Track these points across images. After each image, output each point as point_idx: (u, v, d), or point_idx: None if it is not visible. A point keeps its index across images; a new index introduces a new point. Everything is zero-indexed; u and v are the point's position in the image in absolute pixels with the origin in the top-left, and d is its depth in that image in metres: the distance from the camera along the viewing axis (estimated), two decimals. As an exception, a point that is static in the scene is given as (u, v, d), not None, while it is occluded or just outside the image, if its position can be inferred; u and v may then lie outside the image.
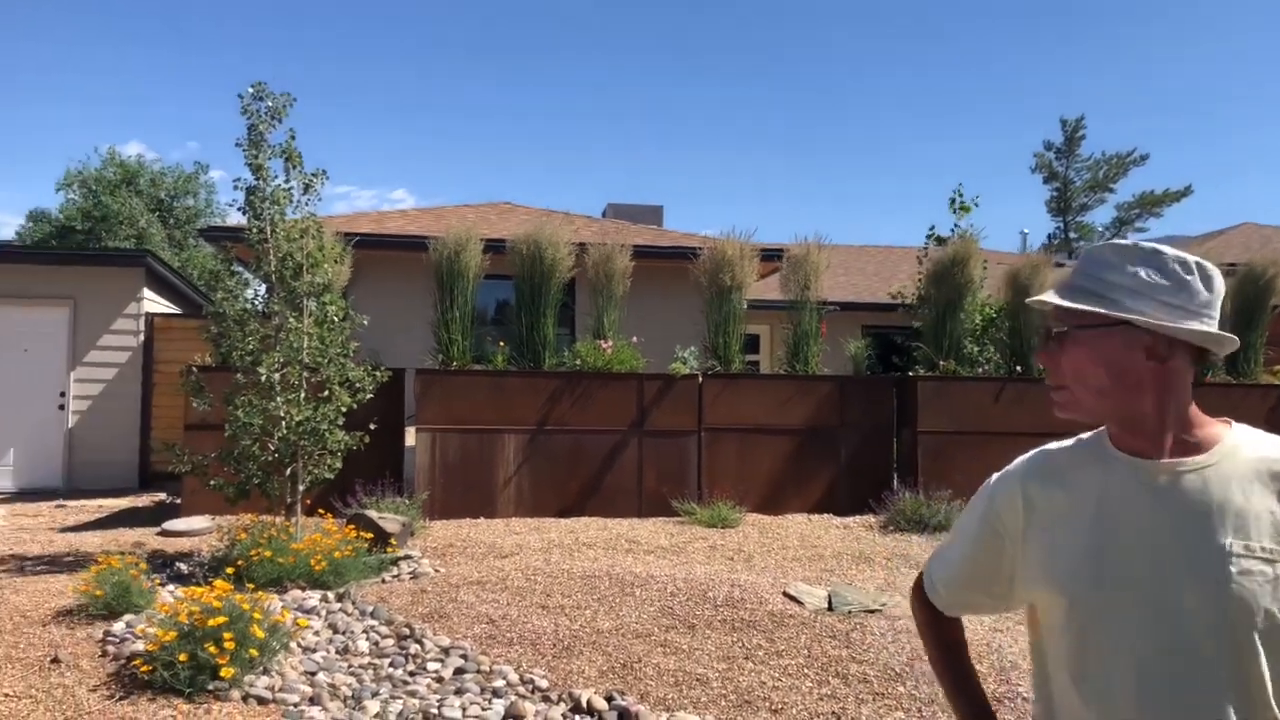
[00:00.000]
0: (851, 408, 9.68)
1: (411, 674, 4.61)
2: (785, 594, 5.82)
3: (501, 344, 9.54)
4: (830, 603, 5.69)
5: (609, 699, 4.15)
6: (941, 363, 9.77)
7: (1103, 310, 1.47)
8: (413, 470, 9.06)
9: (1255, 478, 1.42)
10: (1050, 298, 1.51)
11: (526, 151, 74.71)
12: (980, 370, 9.97)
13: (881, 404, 9.81)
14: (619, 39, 72.20)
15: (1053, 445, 1.61)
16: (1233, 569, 1.35)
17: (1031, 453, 1.62)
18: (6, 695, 4.11)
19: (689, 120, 74.63)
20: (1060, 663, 1.48)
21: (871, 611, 5.56)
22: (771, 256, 11.29)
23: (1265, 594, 1.34)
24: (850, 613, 5.49)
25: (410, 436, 9.38)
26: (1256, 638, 1.34)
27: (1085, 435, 1.58)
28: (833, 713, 4.06)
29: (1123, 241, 1.53)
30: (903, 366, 10.36)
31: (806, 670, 4.55)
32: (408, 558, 6.87)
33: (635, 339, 9.79)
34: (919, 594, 1.77)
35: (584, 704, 4.11)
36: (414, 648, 4.91)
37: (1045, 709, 1.54)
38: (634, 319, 10.20)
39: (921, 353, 10.03)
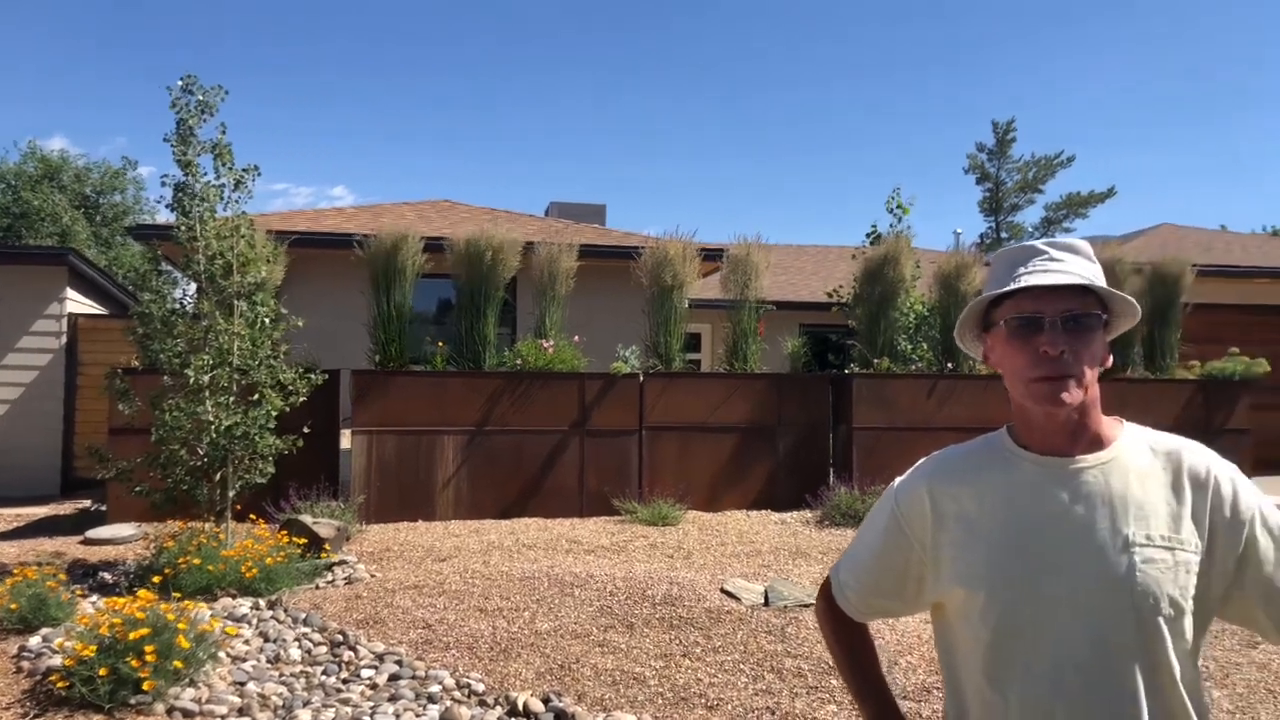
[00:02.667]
0: (789, 405, 9.77)
1: (345, 682, 4.53)
2: (723, 590, 5.85)
3: (441, 344, 9.44)
4: (767, 598, 5.73)
5: (546, 700, 4.13)
6: (876, 360, 9.90)
7: (1135, 302, 1.51)
8: (349, 474, 8.92)
9: (1149, 471, 1.48)
10: (1100, 283, 1.48)
11: (469, 149, 74.20)
12: (913, 367, 10.13)
13: (818, 401, 9.91)
14: (562, 39, 72.04)
15: (953, 448, 1.65)
16: (1137, 558, 1.40)
17: (932, 455, 1.66)
18: (-84, 714, 3.96)
19: (631, 120, 74.75)
20: (974, 658, 1.50)
21: (806, 606, 5.60)
22: (713, 256, 11.34)
23: (1167, 580, 1.39)
24: (786, 608, 5.53)
25: (346, 439, 9.23)
26: (1162, 623, 1.39)
27: (987, 436, 1.61)
28: (767, 708, 4.09)
29: (1076, 239, 1.57)
30: (839, 364, 10.49)
31: (742, 666, 4.57)
32: (343, 563, 6.77)
33: (577, 338, 9.77)
34: (826, 601, 1.77)
35: (520, 706, 4.08)
36: (347, 655, 4.83)
37: (956, 705, 1.56)
38: (576, 318, 10.18)
39: (856, 350, 10.16)
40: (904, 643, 4.91)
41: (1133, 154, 68.96)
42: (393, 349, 9.15)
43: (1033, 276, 1.48)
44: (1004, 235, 42.90)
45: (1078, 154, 56.01)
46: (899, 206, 11.75)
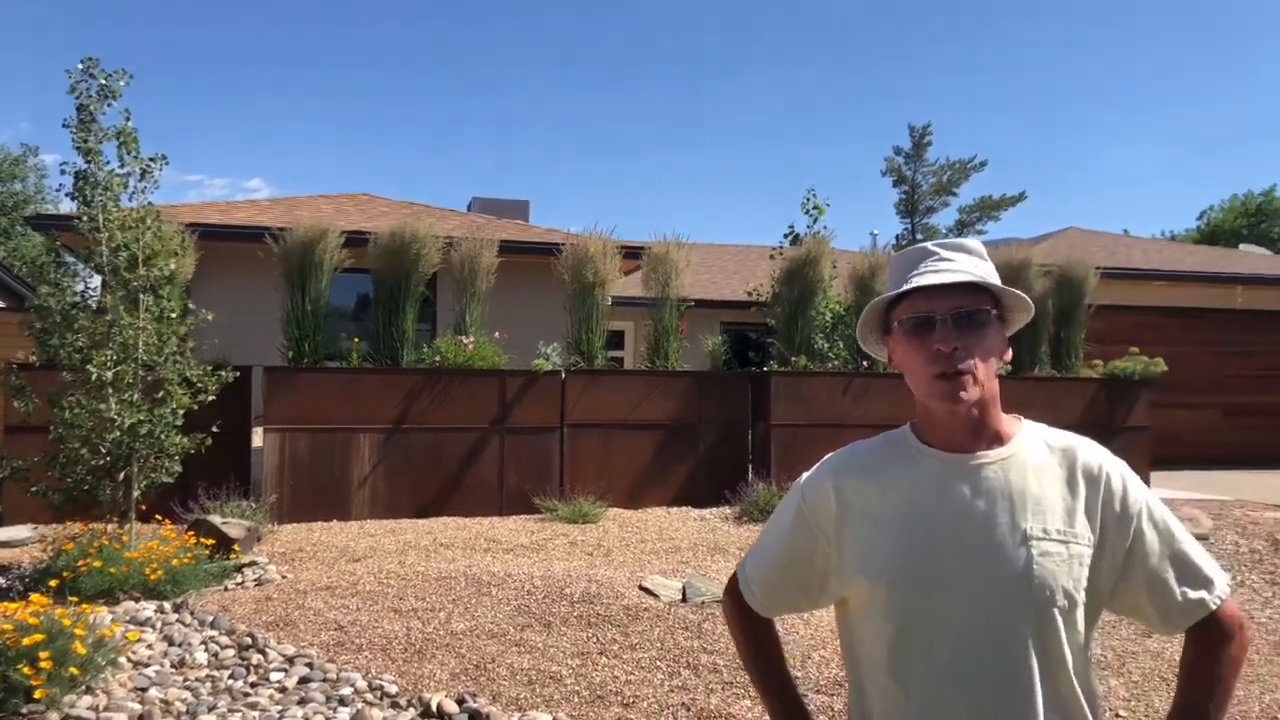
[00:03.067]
0: (709, 403, 9.84)
1: (253, 685, 4.43)
2: (641, 587, 5.87)
3: (357, 340, 9.27)
4: (684, 594, 5.77)
5: (460, 701, 4.09)
6: (794, 358, 10.03)
7: (1026, 297, 1.56)
8: (261, 473, 8.70)
9: (1046, 467, 1.52)
10: (991, 280, 1.54)
11: (392, 143, 73.01)
12: (830, 365, 10.29)
13: (738, 399, 10.01)
14: (487, 33, 71.35)
15: (860, 443, 1.67)
16: (1034, 551, 1.45)
17: (838, 451, 1.68)
18: None
19: (556, 117, 74.45)
20: (876, 651, 1.53)
21: (723, 601, 5.66)
22: (634, 254, 11.35)
23: (1062, 573, 1.44)
24: (703, 603, 5.58)
25: (259, 437, 9.01)
26: (1056, 614, 1.43)
27: (890, 433, 1.65)
28: (683, 704, 4.11)
29: (967, 239, 1.61)
30: (758, 362, 10.61)
31: (659, 663, 4.60)
32: (253, 564, 6.60)
33: (498, 335, 9.69)
34: (732, 597, 1.78)
35: (434, 708, 4.03)
36: (256, 658, 4.71)
37: (859, 699, 1.59)
38: (497, 315, 10.10)
39: (775, 349, 10.28)
40: (817, 637, 5.00)
41: (1043, 158, 71.21)
42: (307, 345, 8.95)
43: (923, 277, 1.52)
44: (919, 237, 43.90)
45: (990, 159, 57.67)
46: (815, 208, 11.93)
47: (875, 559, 1.52)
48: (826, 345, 10.50)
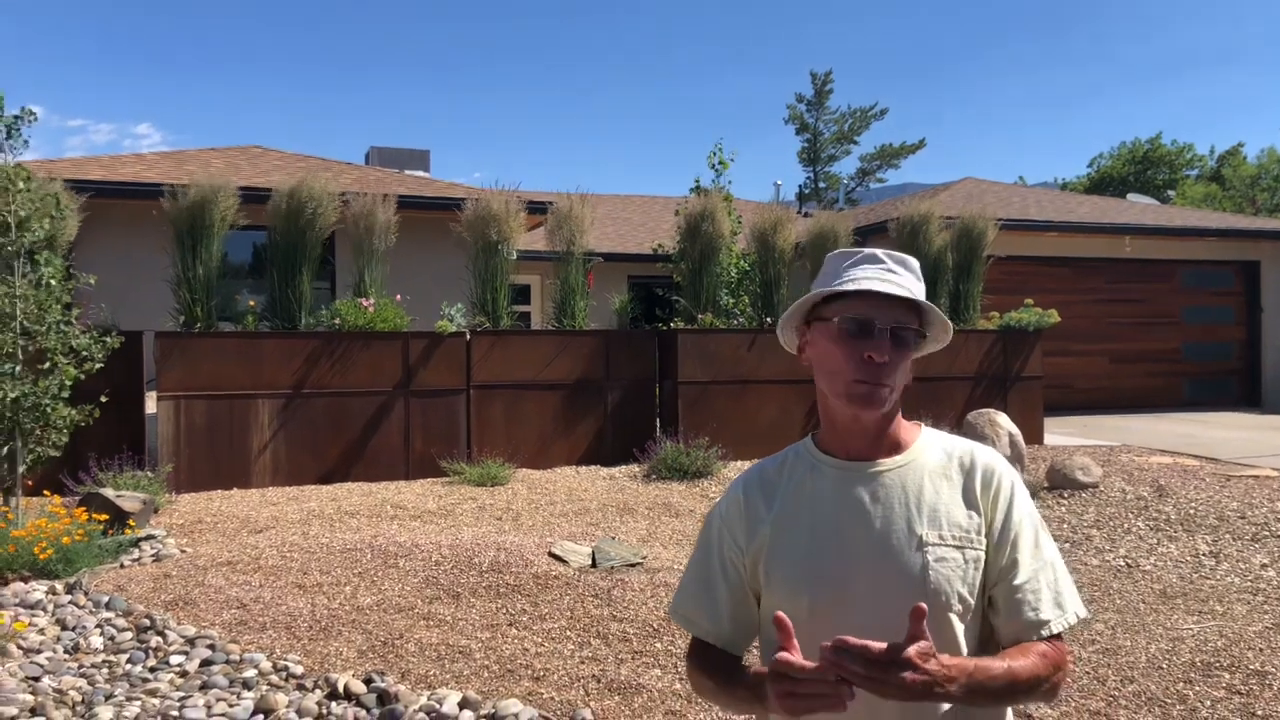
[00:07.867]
0: (616, 360, 9.87)
1: (152, 670, 4.33)
2: (551, 554, 5.91)
3: (252, 303, 8.99)
4: (594, 559, 5.83)
5: (368, 681, 4.08)
6: (700, 315, 10.11)
7: (951, 325, 1.59)
8: (156, 441, 8.42)
9: (942, 473, 1.57)
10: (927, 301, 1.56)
11: (286, 87, 70.12)
12: (735, 322, 10.40)
13: (644, 356, 10.06)
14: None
15: (764, 460, 1.72)
16: (930, 557, 1.50)
17: (745, 471, 1.73)
18: None
19: (455, 63, 72.51)
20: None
21: (633, 565, 5.75)
22: (539, 208, 11.23)
23: (956, 578, 1.49)
24: (613, 569, 5.65)
25: (152, 404, 8.71)
26: (954, 618, 1.48)
27: (793, 446, 1.69)
28: (593, 675, 4.18)
29: (907, 256, 1.62)
30: (665, 318, 10.65)
31: (569, 633, 4.65)
32: (150, 538, 6.42)
33: (399, 297, 9.51)
34: (700, 655, 1.68)
35: (341, 689, 4.01)
36: (155, 640, 4.61)
37: None
38: (399, 273, 9.90)
39: (681, 305, 10.35)
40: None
41: (942, 105, 72.54)
42: (199, 309, 8.63)
43: (872, 282, 1.52)
44: (822, 185, 44.37)
45: (891, 106, 58.44)
46: (720, 162, 11.96)
47: (783, 567, 1.56)
48: (731, 301, 10.59)
